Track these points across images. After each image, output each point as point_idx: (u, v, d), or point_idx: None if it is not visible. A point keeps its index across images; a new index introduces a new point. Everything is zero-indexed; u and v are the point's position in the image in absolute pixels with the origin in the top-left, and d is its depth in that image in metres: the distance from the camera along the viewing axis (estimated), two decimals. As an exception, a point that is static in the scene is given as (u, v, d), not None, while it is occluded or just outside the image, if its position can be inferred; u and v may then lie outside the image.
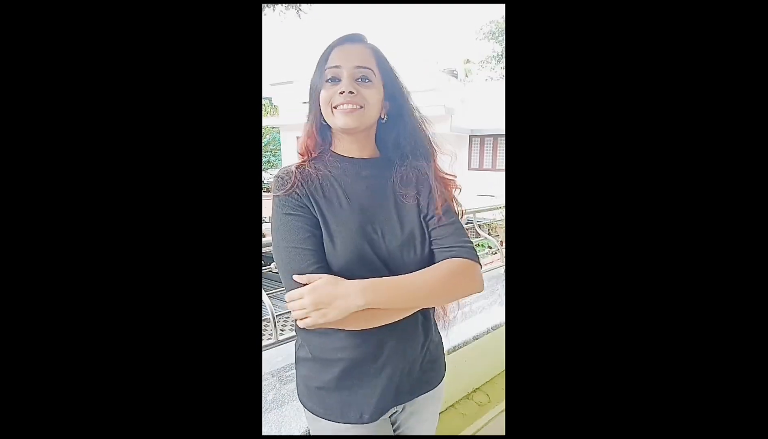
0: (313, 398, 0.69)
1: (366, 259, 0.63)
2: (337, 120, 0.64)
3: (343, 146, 0.69)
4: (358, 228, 0.64)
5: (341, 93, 0.63)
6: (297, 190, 0.63)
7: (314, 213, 0.63)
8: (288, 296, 0.60)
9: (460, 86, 9.82)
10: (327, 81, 0.64)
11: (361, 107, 0.64)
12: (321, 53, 0.66)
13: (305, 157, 0.67)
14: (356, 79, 0.64)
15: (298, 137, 0.72)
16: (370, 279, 0.60)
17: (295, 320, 0.61)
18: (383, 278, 0.61)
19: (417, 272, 0.62)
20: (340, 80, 0.64)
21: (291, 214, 0.62)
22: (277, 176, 0.65)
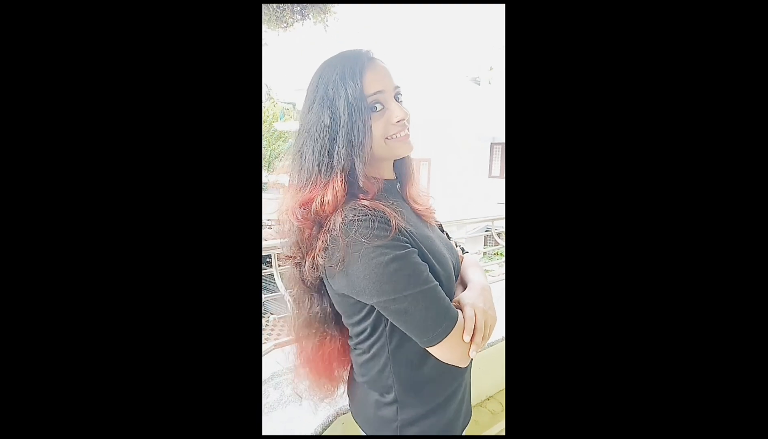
0: None
1: (452, 273, 0.61)
2: (395, 150, 0.58)
3: (386, 172, 0.63)
4: (437, 246, 0.60)
5: (398, 121, 0.57)
6: (402, 229, 0.53)
7: (415, 246, 0.55)
8: (468, 332, 0.53)
9: (483, 94, 9.76)
10: (372, 112, 0.56)
11: (408, 129, 0.59)
12: (331, 79, 0.55)
13: (371, 196, 0.55)
14: (394, 99, 0.58)
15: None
16: (479, 288, 0.60)
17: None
18: (476, 285, 0.61)
19: (473, 272, 0.64)
20: (383, 106, 0.57)
21: (404, 256, 0.51)
22: (364, 218, 0.51)
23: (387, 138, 0.57)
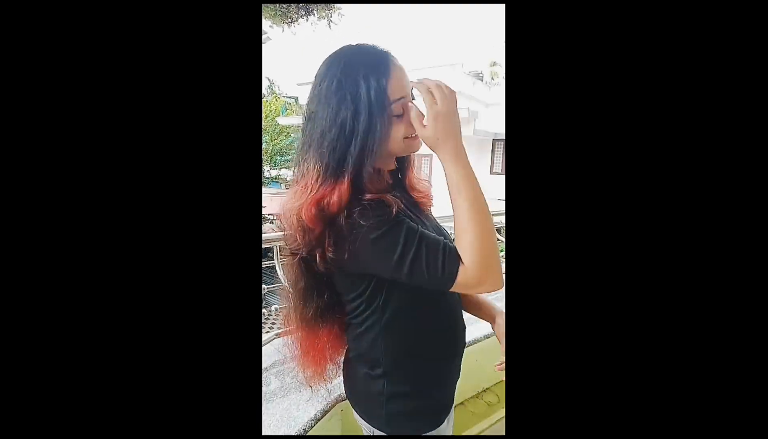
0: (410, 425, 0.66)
1: None
2: (412, 148, 0.61)
3: (390, 163, 0.66)
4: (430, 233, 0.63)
5: (416, 122, 0.58)
6: (401, 212, 0.56)
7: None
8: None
9: (485, 89, 9.73)
10: (394, 116, 0.56)
11: None
12: (351, 78, 0.54)
13: (374, 192, 0.57)
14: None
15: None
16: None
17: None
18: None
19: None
20: (404, 110, 0.58)
21: (398, 223, 0.54)
22: (365, 210, 0.54)
23: (406, 137, 0.59)
